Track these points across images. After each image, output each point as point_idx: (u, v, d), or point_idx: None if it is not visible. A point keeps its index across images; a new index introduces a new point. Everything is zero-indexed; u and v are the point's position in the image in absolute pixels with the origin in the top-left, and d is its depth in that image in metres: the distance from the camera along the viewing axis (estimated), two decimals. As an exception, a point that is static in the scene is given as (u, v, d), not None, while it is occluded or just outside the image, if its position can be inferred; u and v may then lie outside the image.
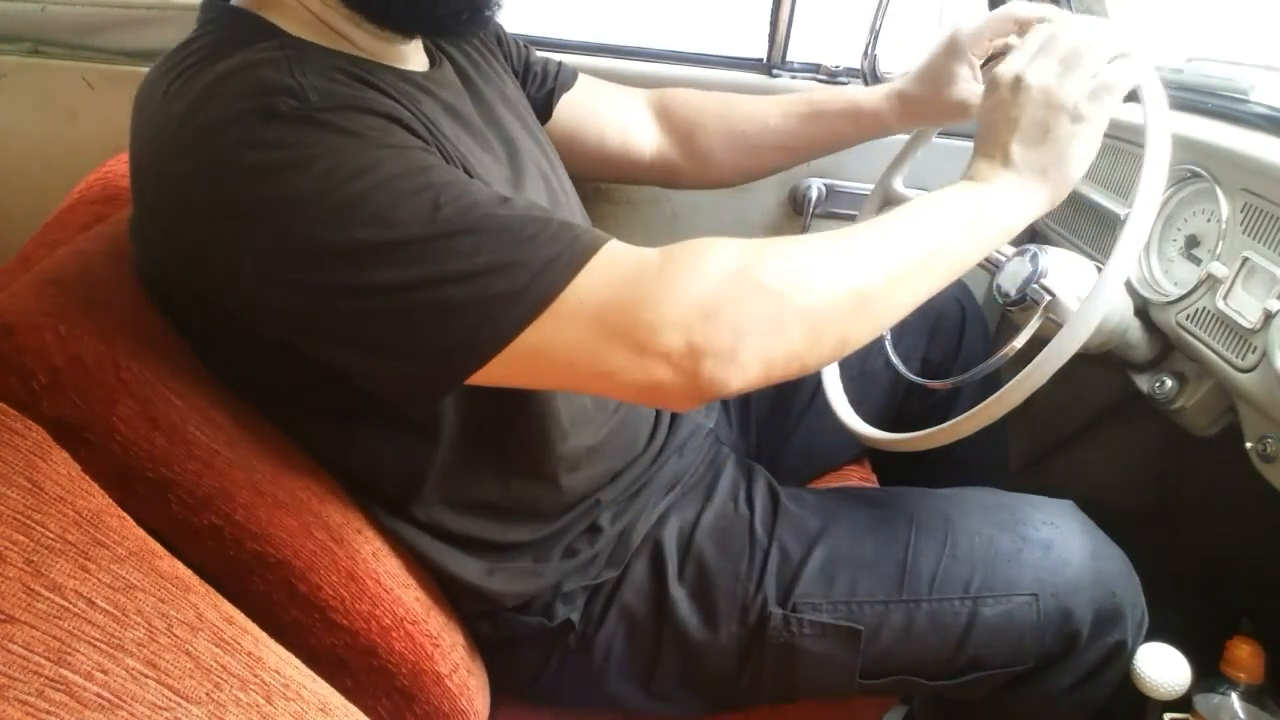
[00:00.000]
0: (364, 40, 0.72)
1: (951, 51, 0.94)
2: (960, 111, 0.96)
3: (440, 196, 0.59)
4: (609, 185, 1.31)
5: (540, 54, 1.04)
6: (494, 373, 0.60)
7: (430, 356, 0.60)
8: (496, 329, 0.58)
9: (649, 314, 0.59)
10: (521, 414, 0.78)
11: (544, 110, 1.02)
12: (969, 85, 0.95)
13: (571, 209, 0.89)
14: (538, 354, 0.60)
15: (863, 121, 1.02)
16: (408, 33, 0.74)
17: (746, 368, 0.60)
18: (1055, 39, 0.72)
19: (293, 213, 0.58)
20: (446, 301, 0.58)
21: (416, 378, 0.61)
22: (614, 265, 0.61)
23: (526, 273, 0.58)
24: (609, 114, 1.07)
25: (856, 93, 1.03)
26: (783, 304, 0.60)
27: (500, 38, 0.99)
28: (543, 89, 1.02)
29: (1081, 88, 0.70)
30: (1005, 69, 0.73)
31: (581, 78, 1.06)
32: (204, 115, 0.60)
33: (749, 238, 0.62)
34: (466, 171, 0.71)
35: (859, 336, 0.65)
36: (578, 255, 0.60)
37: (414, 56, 0.78)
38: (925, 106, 0.98)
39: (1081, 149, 0.70)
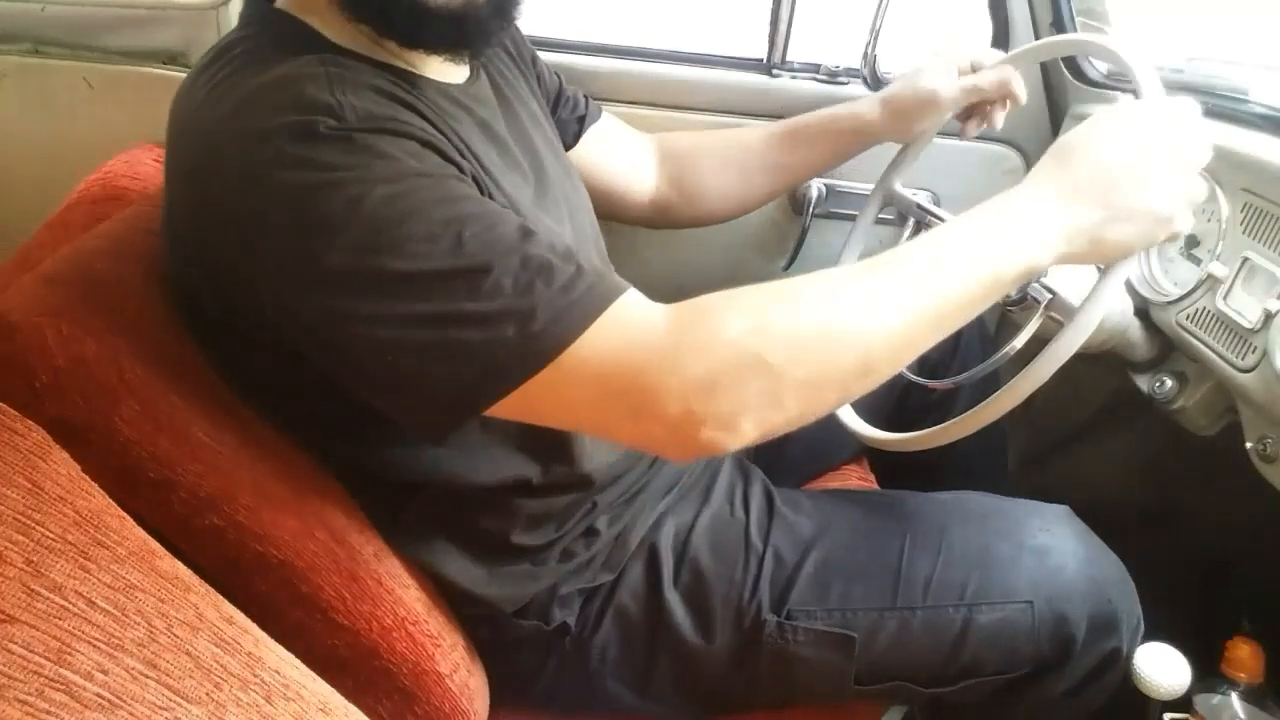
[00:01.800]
0: (400, 50, 0.72)
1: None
2: (933, 103, 1.00)
3: (465, 230, 0.59)
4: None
5: (570, 87, 1.05)
6: (497, 411, 0.61)
7: (436, 394, 0.61)
8: (503, 376, 0.59)
9: (649, 381, 0.59)
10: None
11: (572, 137, 1.03)
12: (942, 77, 0.99)
13: (585, 230, 0.89)
14: (540, 400, 0.61)
15: (841, 127, 1.06)
16: (417, 48, 0.73)
17: (743, 435, 0.60)
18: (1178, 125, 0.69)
19: (320, 235, 0.59)
20: (459, 341, 0.59)
21: (420, 412, 0.62)
22: (622, 325, 0.60)
23: (538, 321, 0.58)
24: (622, 155, 1.08)
25: (836, 107, 1.07)
26: (784, 379, 0.60)
27: (535, 60, 0.99)
28: (574, 114, 1.03)
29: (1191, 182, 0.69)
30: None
31: (605, 114, 1.08)
32: (240, 124, 0.61)
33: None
34: (494, 188, 0.71)
35: (862, 390, 0.65)
36: (591, 307, 0.60)
37: (452, 69, 0.77)
38: (904, 102, 1.02)
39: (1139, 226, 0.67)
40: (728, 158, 1.10)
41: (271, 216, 0.60)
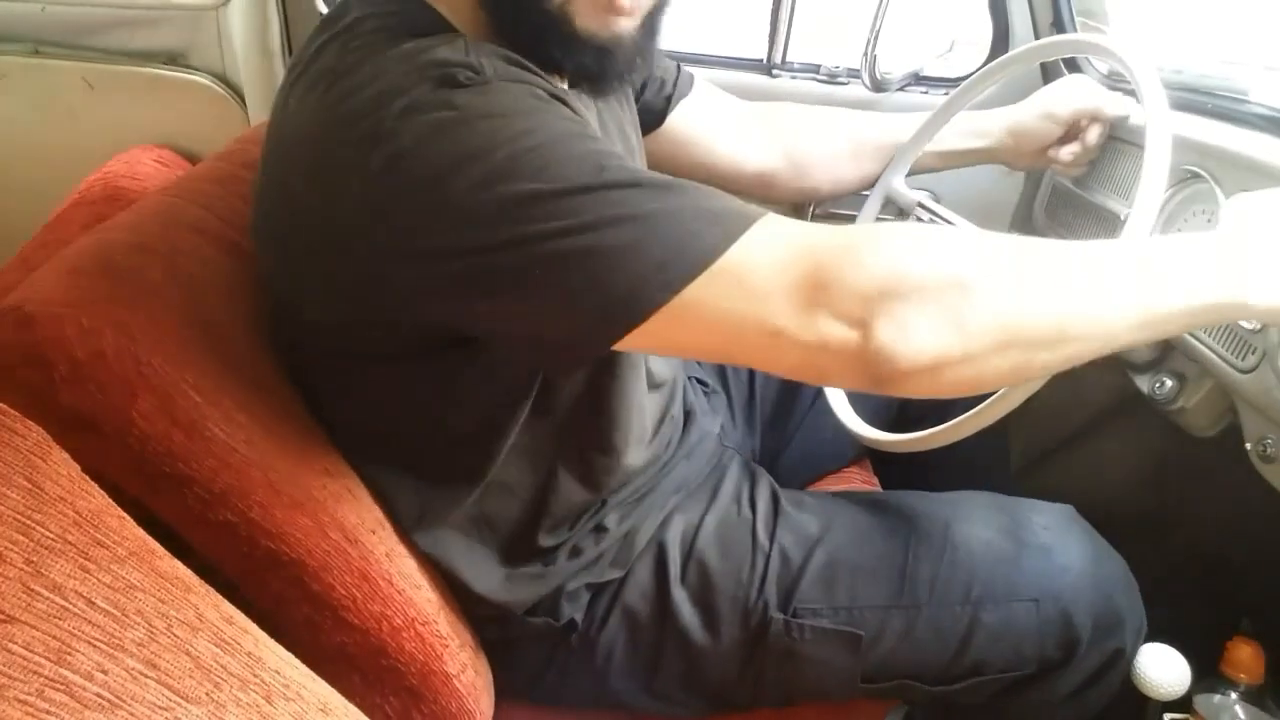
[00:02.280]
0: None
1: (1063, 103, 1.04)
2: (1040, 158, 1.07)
3: (604, 160, 0.59)
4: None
5: (659, 63, 1.03)
6: (656, 328, 0.58)
7: (598, 304, 0.58)
8: (668, 275, 0.57)
9: (832, 274, 0.58)
10: (597, 423, 0.79)
11: (659, 116, 1.02)
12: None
13: None
14: (704, 308, 0.58)
15: (966, 128, 1.09)
16: (555, 73, 0.72)
17: (920, 353, 0.57)
18: None
19: (460, 169, 0.58)
20: (618, 244, 0.57)
21: (580, 330, 0.60)
22: (787, 227, 0.60)
23: (697, 221, 0.58)
24: (723, 123, 1.08)
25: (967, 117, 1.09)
26: (976, 302, 0.58)
27: None
28: (661, 94, 1.02)
29: None
30: None
31: (699, 83, 1.06)
32: (374, 88, 0.60)
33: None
34: None
35: (1042, 367, 0.62)
36: (748, 213, 0.59)
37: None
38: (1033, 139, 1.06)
39: None
40: (840, 134, 1.11)
41: (406, 163, 0.58)
